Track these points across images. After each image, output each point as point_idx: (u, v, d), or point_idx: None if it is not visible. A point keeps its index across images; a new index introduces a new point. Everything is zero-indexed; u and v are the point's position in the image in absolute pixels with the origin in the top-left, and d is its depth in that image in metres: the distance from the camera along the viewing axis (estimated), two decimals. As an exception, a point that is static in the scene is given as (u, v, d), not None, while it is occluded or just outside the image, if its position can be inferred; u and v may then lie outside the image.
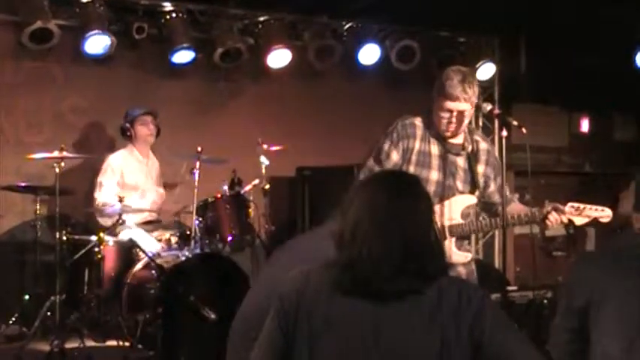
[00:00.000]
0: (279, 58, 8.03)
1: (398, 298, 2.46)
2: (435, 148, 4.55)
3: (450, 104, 4.41)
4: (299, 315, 2.53)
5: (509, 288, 7.28)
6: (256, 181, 7.23)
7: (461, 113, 4.42)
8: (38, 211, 6.63)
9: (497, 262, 9.42)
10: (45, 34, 7.01)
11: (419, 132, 4.55)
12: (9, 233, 7.40)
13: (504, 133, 4.52)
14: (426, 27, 8.69)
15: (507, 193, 4.70)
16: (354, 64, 8.47)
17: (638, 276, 2.90)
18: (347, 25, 8.45)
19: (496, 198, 4.68)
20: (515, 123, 4.60)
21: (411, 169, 4.49)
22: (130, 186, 7.08)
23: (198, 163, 6.49)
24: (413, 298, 2.47)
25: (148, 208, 7.08)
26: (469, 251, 4.68)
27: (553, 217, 4.51)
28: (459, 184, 4.59)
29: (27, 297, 6.64)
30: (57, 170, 6.42)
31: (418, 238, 2.52)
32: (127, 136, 7.23)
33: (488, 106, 4.69)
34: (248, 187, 7.13)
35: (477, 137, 4.65)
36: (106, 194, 6.92)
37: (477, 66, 8.84)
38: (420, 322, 2.46)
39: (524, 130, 4.52)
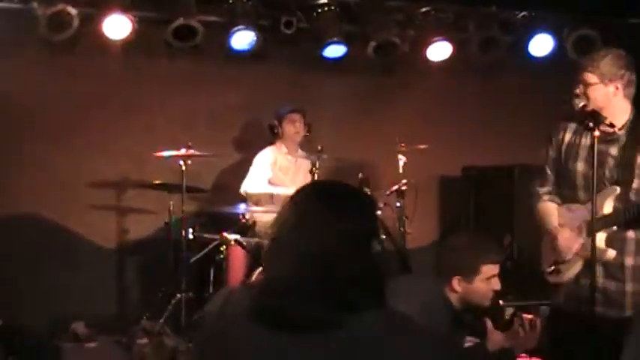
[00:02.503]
0: (438, 51, 7.55)
1: (310, 330, 2.05)
2: (585, 139, 4.25)
3: (579, 75, 4.17)
4: (213, 338, 2.23)
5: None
6: (404, 181, 6.85)
7: (585, 84, 4.14)
8: (171, 208, 6.63)
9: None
10: (190, 31, 6.97)
11: (572, 124, 4.34)
12: (161, 230, 7.44)
13: (597, 133, 4.03)
14: (610, 15, 7.86)
15: None
16: (524, 57, 7.80)
17: None
18: (519, 15, 7.79)
19: None
20: (607, 121, 4.09)
21: (563, 163, 4.35)
22: (277, 185, 6.94)
23: (318, 163, 6.18)
24: (329, 331, 2.04)
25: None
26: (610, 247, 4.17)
27: None
28: (608, 175, 4.18)
29: (160, 294, 6.63)
30: (183, 168, 6.39)
31: (342, 260, 2.09)
32: (274, 134, 7.10)
33: (580, 102, 4.18)
34: (394, 188, 6.80)
35: None
36: (251, 185, 6.85)
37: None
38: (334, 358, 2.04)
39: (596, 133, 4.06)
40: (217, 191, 7.64)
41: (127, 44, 6.97)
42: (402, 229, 6.58)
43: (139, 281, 7.43)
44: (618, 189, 4.13)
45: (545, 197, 4.45)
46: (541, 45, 7.72)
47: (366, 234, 2.17)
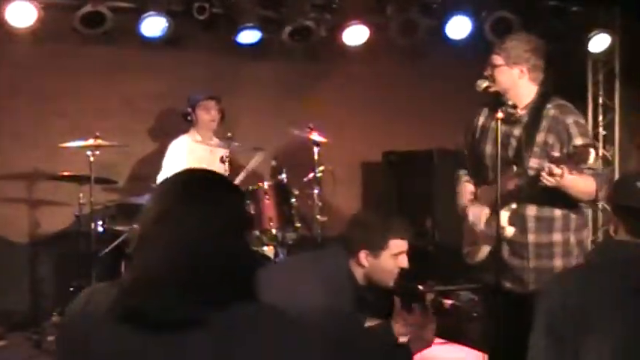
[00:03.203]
0: (355, 35, 7.43)
1: (174, 330, 1.95)
2: (493, 122, 4.27)
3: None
4: (74, 339, 2.08)
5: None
6: (321, 168, 6.71)
7: (492, 66, 4.26)
8: (81, 200, 6.45)
9: None
10: (99, 17, 6.75)
11: (487, 108, 4.41)
12: (74, 223, 7.23)
13: (500, 114, 4.07)
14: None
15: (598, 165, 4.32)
16: (443, 40, 7.73)
17: None
18: (438, -4, 7.71)
19: None
20: (510, 102, 4.18)
21: (475, 148, 4.44)
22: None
23: (228, 151, 6.05)
24: (194, 330, 1.94)
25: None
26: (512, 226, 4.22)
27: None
28: (512, 155, 4.25)
29: (71, 288, 6.44)
30: (91, 159, 6.21)
31: (207, 254, 2.00)
32: (188, 121, 6.94)
33: (483, 83, 4.21)
34: (311, 176, 6.67)
35: (549, 105, 4.22)
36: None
37: (589, 37, 7.93)
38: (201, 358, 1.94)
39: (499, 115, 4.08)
40: (132, 182, 7.49)
41: (35, 31, 6.72)
42: (318, 216, 6.45)
43: (50, 276, 7.22)
44: (515, 168, 4.18)
45: (464, 178, 4.56)
46: (459, 28, 7.65)
47: (233, 224, 2.08)
